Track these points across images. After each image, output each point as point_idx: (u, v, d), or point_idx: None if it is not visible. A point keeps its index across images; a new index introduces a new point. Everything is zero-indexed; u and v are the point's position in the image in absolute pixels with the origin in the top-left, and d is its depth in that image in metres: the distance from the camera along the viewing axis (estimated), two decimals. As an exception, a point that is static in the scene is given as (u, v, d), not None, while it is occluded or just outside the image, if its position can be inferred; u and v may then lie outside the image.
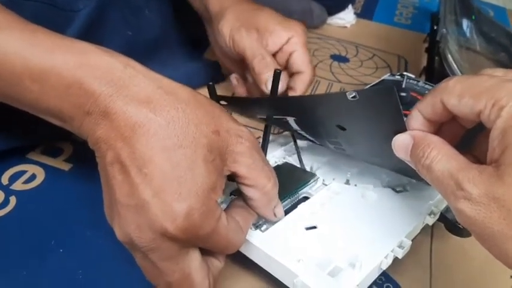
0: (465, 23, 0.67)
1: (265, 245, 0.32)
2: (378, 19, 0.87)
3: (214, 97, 0.40)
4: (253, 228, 0.33)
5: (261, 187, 0.30)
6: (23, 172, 0.42)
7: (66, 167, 0.44)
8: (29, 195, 0.40)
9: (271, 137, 0.45)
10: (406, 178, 0.39)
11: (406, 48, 0.77)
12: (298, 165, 0.41)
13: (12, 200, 0.39)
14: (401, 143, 0.29)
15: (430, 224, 0.36)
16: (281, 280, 0.31)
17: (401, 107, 0.27)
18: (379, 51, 0.75)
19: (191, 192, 0.26)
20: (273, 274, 0.32)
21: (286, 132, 0.48)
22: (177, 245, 0.26)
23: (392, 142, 0.29)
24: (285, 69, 0.49)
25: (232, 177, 0.30)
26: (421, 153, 0.27)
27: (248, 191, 0.31)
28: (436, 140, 0.27)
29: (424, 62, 0.67)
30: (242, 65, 0.50)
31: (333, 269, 0.30)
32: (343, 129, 0.32)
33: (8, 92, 0.29)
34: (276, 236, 0.32)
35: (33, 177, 0.42)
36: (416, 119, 0.29)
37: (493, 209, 0.23)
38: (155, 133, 0.26)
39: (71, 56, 0.27)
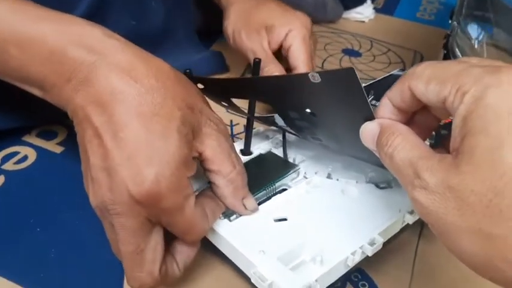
0: (484, 16, 0.64)
1: (230, 234, 0.31)
2: (399, 15, 0.84)
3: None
4: (222, 217, 0.32)
5: (225, 173, 0.30)
6: (16, 153, 0.44)
7: (58, 149, 0.45)
8: (17, 175, 0.41)
9: (261, 129, 0.44)
10: (391, 174, 0.37)
11: (425, 44, 0.74)
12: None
13: (1, 179, 0.41)
14: (369, 132, 0.28)
15: (411, 222, 0.35)
16: (243, 270, 0.31)
17: (364, 91, 0.26)
18: (394, 46, 0.72)
19: (162, 160, 0.26)
20: (236, 264, 0.31)
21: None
22: (142, 215, 0.27)
23: (360, 131, 0.28)
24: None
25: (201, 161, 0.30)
26: (385, 141, 0.26)
27: (213, 177, 0.31)
28: (402, 128, 0.26)
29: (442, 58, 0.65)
30: None
31: (295, 262, 0.30)
32: (314, 115, 0.32)
33: None
34: (242, 226, 0.32)
35: (24, 158, 0.43)
36: (385, 107, 0.28)
37: (448, 198, 0.21)
38: (133, 99, 0.27)
39: (55, 25, 0.29)
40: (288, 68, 0.49)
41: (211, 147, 0.29)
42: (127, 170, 0.26)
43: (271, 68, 0.46)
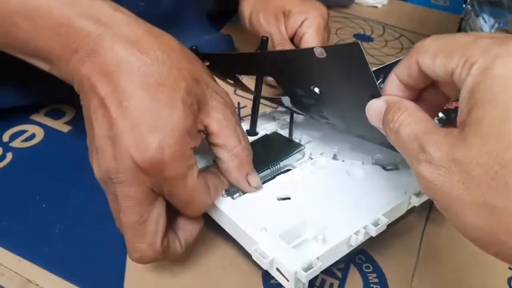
0: (499, 2, 0.62)
1: (233, 212, 0.31)
2: (413, 0, 0.83)
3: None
4: (225, 195, 0.32)
5: (230, 148, 0.30)
6: (24, 131, 0.44)
7: (65, 129, 0.45)
8: (25, 153, 0.41)
9: (267, 111, 0.44)
10: (399, 156, 0.37)
11: (439, 29, 0.73)
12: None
13: (9, 156, 0.41)
14: (375, 109, 0.27)
15: (417, 205, 0.34)
16: (245, 248, 0.31)
17: (370, 66, 0.26)
18: (407, 31, 0.71)
19: (167, 128, 0.26)
20: (238, 241, 0.31)
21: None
22: (145, 184, 0.27)
23: (366, 108, 0.28)
24: None
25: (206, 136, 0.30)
26: (391, 117, 0.26)
27: (217, 151, 0.30)
28: (408, 104, 0.26)
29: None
30: None
31: (297, 240, 0.29)
32: (320, 92, 0.31)
33: (1, 31, 0.30)
34: (245, 204, 0.32)
35: (32, 136, 0.43)
36: (392, 83, 0.27)
37: (453, 172, 0.21)
38: (138, 69, 0.27)
39: None
40: None
41: (217, 121, 0.29)
42: (131, 138, 0.26)
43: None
